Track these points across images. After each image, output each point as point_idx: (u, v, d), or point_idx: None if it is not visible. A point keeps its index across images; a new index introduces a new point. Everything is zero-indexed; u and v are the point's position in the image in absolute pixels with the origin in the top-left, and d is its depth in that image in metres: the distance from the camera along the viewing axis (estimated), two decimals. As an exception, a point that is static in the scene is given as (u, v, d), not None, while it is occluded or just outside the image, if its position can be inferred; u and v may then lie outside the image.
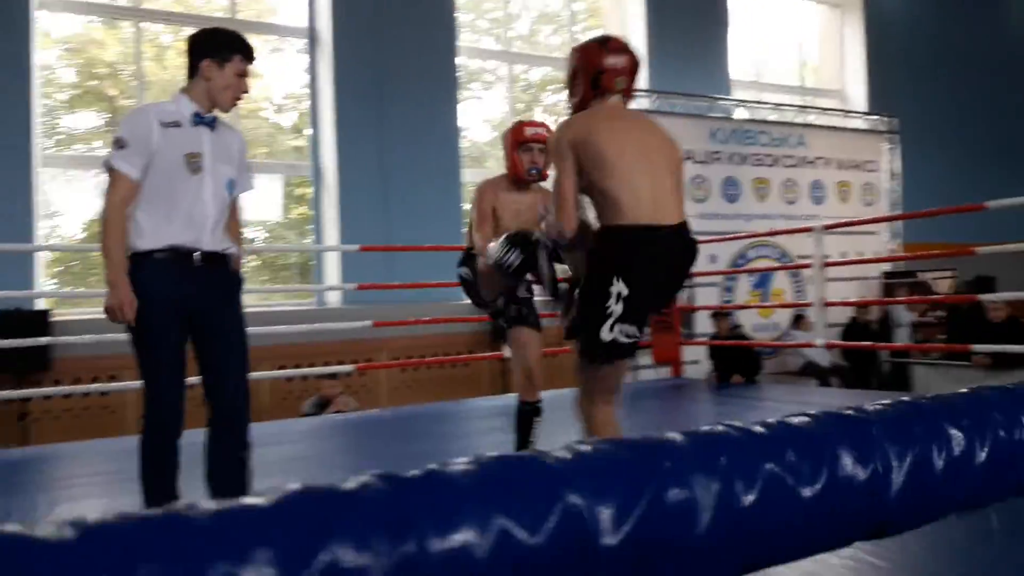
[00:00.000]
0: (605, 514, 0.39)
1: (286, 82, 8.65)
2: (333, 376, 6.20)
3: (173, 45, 7.92)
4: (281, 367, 6.53)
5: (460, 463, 0.42)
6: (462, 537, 0.38)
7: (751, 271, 8.28)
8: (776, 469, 0.42)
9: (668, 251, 2.22)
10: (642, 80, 8.95)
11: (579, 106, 2.31)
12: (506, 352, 6.26)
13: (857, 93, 10.64)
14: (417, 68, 7.83)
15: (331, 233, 7.63)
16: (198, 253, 2.47)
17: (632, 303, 2.11)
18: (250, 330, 2.63)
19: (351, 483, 0.40)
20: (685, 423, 4.98)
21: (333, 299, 7.62)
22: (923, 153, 10.01)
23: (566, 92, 2.38)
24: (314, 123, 7.83)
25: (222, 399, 2.52)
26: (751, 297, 8.35)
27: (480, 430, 5.20)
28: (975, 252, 5.31)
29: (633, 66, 2.37)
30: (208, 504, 0.39)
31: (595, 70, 2.25)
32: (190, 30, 2.75)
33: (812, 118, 9.17)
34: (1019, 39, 12.10)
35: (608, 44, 2.30)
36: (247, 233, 7.94)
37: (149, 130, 2.42)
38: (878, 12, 10.64)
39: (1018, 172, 11.01)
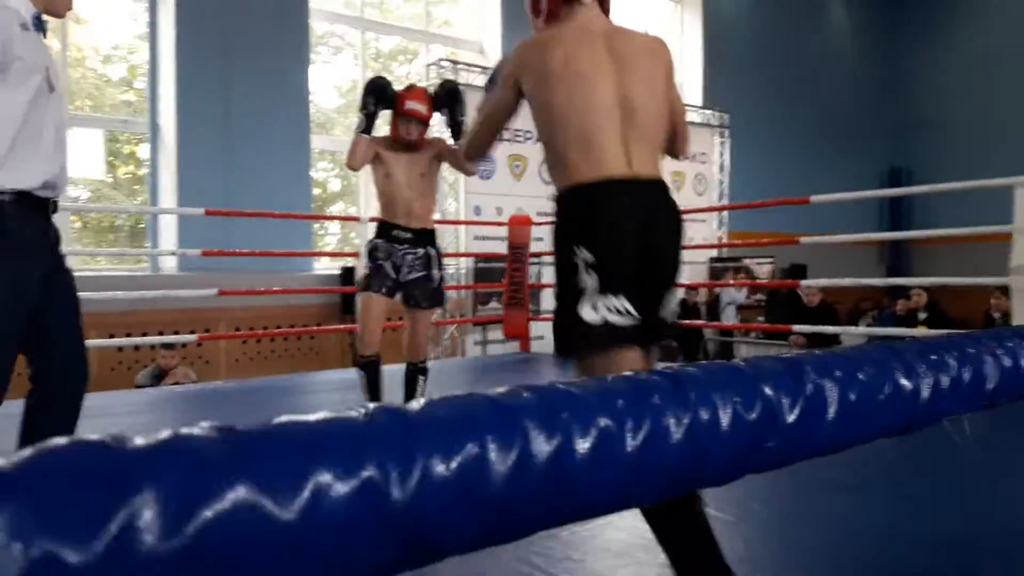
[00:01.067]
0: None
1: (115, 31, 8.05)
2: (170, 346, 5.90)
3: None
4: (111, 335, 6.13)
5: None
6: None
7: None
8: (864, 378, 0.52)
9: (642, 207, 1.72)
10: (495, 59, 9.06)
11: (548, 20, 1.88)
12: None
13: (693, 87, 11.29)
14: (266, 26, 7.52)
15: (167, 195, 7.21)
16: (56, 198, 2.08)
17: (606, 271, 1.66)
18: (81, 294, 2.28)
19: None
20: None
21: (168, 265, 7.22)
22: (749, 147, 10.80)
23: (530, 13, 1.94)
24: (152, 77, 7.34)
25: (59, 371, 2.12)
26: (592, 277, 8.72)
27: (331, 402, 5.13)
28: (799, 242, 5.84)
29: None
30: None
31: None
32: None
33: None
34: (840, 43, 13.27)
35: None
36: (70, 191, 7.35)
37: (10, 31, 1.91)
38: (714, 11, 11.32)
39: (832, 168, 12.14)
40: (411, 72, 10.06)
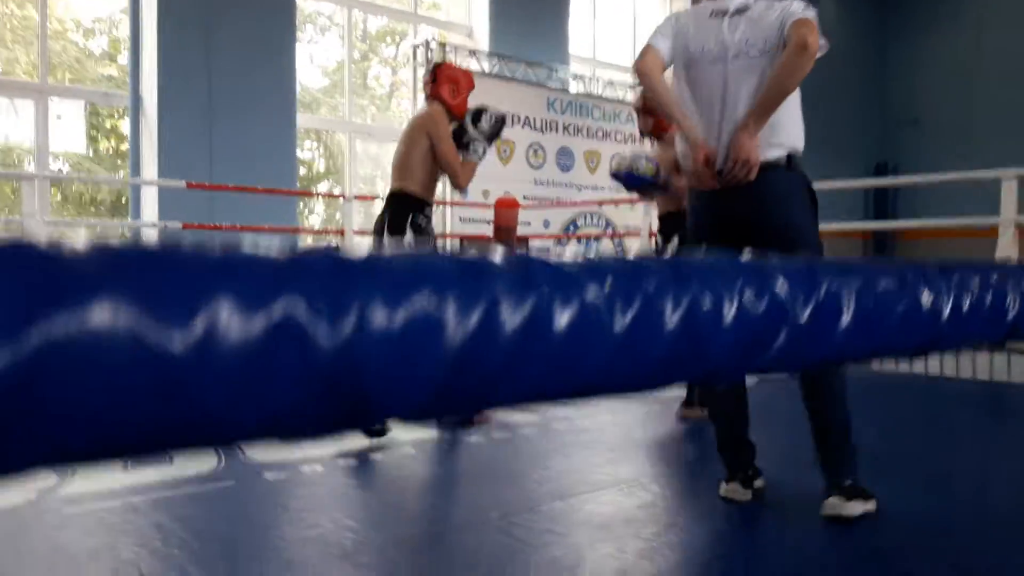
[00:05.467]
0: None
1: (97, 3, 7.91)
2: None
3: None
4: (88, 310, 6.00)
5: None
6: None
7: (587, 236, 8.61)
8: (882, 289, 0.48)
9: None
10: (484, 43, 8.98)
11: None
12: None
13: (682, 77, 11.24)
14: (251, 1, 7.39)
15: (149, 168, 7.08)
16: None
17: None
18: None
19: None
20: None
21: (149, 239, 7.10)
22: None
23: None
24: (134, 51, 7.19)
25: None
26: (577, 263, 8.69)
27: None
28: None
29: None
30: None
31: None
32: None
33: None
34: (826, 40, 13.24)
35: None
36: (51, 163, 7.22)
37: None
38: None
39: (817, 162, 12.12)
40: (398, 54, 9.97)
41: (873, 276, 0.47)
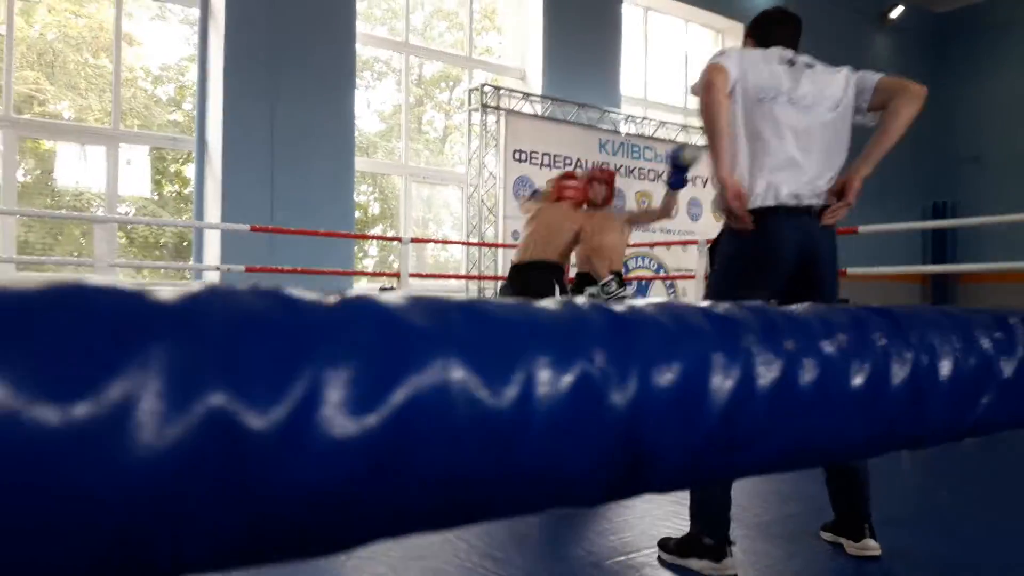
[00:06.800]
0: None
1: (166, 52, 8.22)
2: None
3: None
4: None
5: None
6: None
7: (639, 279, 8.58)
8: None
9: None
10: (537, 86, 9.10)
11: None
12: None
13: (733, 119, 11.21)
14: (313, 49, 7.62)
15: (212, 212, 7.29)
16: None
17: None
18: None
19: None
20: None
21: (211, 281, 7.27)
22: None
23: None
24: (200, 95, 7.46)
25: None
26: (630, 305, 8.64)
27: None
28: (846, 274, 5.71)
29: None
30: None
31: None
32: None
33: (692, 138, 9.61)
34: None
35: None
36: (120, 208, 7.47)
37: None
38: (756, 44, 11.25)
39: (873, 202, 11.94)
40: (453, 98, 10.14)
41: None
